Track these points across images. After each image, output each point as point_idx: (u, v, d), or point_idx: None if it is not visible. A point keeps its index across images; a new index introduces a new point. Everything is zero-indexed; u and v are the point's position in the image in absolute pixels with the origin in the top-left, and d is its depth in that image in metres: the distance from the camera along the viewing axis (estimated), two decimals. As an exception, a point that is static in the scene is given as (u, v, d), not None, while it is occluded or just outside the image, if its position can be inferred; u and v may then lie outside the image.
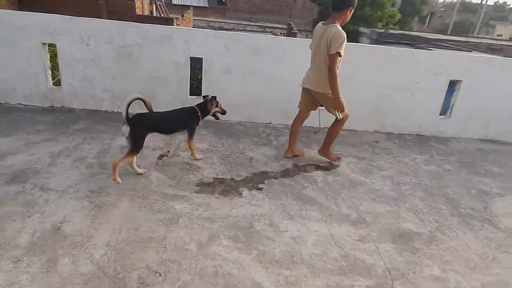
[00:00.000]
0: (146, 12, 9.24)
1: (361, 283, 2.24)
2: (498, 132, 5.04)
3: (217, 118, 3.62)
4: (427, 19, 37.00)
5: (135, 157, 3.15)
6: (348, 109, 4.73)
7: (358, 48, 4.66)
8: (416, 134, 4.94)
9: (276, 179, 3.38)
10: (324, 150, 3.78)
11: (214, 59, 4.44)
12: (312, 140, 4.34)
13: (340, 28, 3.16)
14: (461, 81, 4.69)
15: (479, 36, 30.36)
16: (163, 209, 2.73)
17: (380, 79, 4.65)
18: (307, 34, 19.66)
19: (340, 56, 3.15)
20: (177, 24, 7.92)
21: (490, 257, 2.63)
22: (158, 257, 2.24)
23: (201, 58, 4.45)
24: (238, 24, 21.36)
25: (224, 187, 3.15)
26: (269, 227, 2.67)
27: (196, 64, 4.87)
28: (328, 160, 3.83)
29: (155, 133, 3.24)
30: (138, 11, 8.40)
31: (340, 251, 2.51)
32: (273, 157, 3.81)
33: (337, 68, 3.23)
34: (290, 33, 15.98)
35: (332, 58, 3.14)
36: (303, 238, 2.59)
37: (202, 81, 4.54)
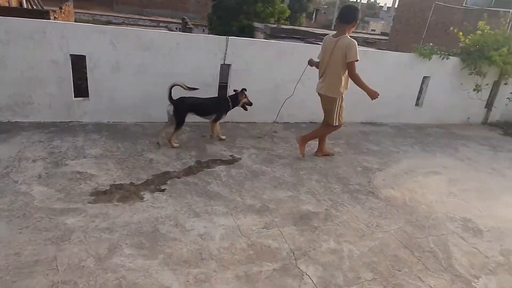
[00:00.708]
0: (14, 4, 8.00)
1: (268, 267, 2.34)
2: (376, 115, 5.77)
3: (245, 109, 4.24)
4: (313, 15, 40.23)
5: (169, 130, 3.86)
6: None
7: (250, 43, 4.81)
8: (310, 122, 5.34)
9: (179, 178, 3.30)
10: (304, 139, 4.04)
11: (100, 57, 4.08)
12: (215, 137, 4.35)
13: (350, 38, 3.53)
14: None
15: (357, 31, 34.30)
16: (50, 226, 2.43)
17: (274, 72, 4.88)
18: (203, 29, 19.54)
19: (357, 61, 3.54)
20: (55, 18, 7.05)
21: (375, 224, 3.01)
22: (48, 281, 1.99)
23: (85, 56, 4.05)
24: (128, 18, 20.03)
25: (123, 193, 2.95)
26: (175, 227, 2.60)
27: (84, 63, 4.42)
28: (231, 154, 3.90)
29: (193, 114, 3.89)
30: (2, 2, 7.23)
31: (247, 240, 2.58)
32: (174, 157, 3.70)
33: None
34: (185, 28, 15.68)
35: (351, 65, 3.54)
36: (210, 234, 2.59)
37: (88, 81, 4.14)
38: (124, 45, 4.12)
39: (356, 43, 3.54)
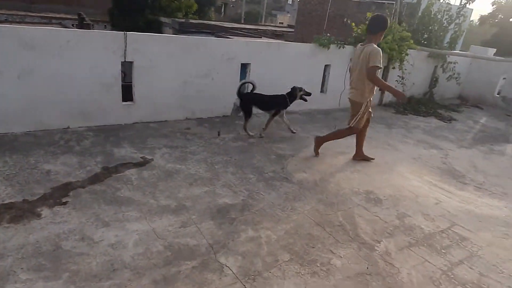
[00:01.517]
0: None
1: (187, 266, 2.30)
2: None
3: (305, 100, 4.92)
4: (222, 9, 40.33)
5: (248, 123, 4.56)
6: (153, 100, 4.70)
7: (152, 38, 4.60)
8: (223, 116, 5.36)
9: (83, 188, 3.03)
10: (320, 140, 4.35)
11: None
12: (122, 138, 4.10)
13: (375, 46, 3.69)
14: (250, 63, 5.32)
15: (266, 24, 35.39)
16: None
17: (181, 68, 4.76)
18: (105, 26, 18.18)
19: (380, 68, 3.69)
20: None
21: (289, 207, 3.15)
22: None
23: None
24: (12, 14, 17.57)
25: (15, 212, 2.60)
26: (81, 242, 2.39)
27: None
28: (142, 156, 3.71)
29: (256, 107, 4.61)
30: None
31: (164, 242, 2.49)
32: (77, 165, 3.39)
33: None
34: (82, 24, 14.38)
35: (370, 69, 3.67)
36: (123, 242, 2.44)
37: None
38: (2, 45, 3.60)
39: (380, 51, 3.67)
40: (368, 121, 4.25)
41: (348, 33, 7.76)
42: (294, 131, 5.06)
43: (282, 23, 43.78)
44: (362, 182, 3.83)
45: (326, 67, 6.34)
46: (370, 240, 2.81)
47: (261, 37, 15.74)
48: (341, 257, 2.57)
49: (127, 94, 4.49)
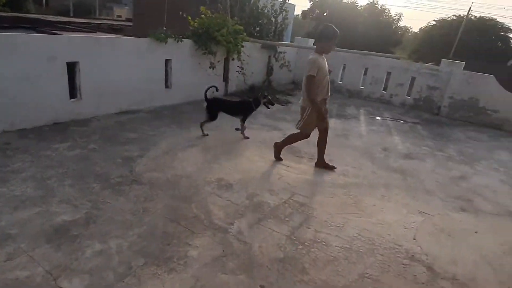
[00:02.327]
0: None
1: (18, 305, 1.94)
2: (129, 103, 5.70)
3: (267, 107, 5.25)
4: (44, 1, 34.87)
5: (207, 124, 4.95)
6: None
7: None
8: (54, 123, 4.68)
9: None
10: (279, 146, 4.53)
11: None
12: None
13: (313, 56, 3.94)
14: (78, 62, 4.77)
15: (101, 17, 32.35)
16: None
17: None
18: None
19: (312, 76, 3.88)
20: None
21: (141, 210, 3.01)
22: None
23: None
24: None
25: None
26: None
27: None
28: None
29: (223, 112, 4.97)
30: None
31: (-18, 285, 2.04)
32: None
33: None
34: None
35: (307, 78, 3.94)
36: None
37: None
38: None
39: (315, 61, 3.87)
40: (325, 130, 4.34)
41: (188, 27, 7.82)
42: (247, 136, 5.20)
43: (120, 16, 40.91)
44: (213, 171, 3.96)
45: (167, 61, 6.25)
46: (224, 224, 2.95)
47: (96, 32, 14.36)
48: (197, 247, 2.62)
49: None
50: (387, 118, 8.04)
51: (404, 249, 2.94)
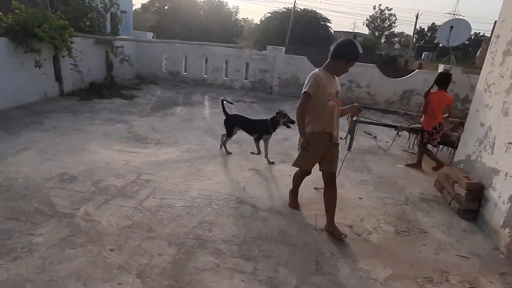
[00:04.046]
0: None
1: None
2: None
3: (288, 126, 4.66)
4: None
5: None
6: None
7: None
8: None
9: None
10: (291, 191, 3.65)
11: None
12: None
13: (316, 70, 3.04)
14: None
15: None
16: None
17: None
18: None
19: (307, 93, 2.98)
20: None
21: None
22: None
23: None
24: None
25: None
26: None
27: None
28: None
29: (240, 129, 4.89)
30: None
31: None
32: None
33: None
34: None
35: (301, 98, 3.05)
36: None
37: None
38: None
39: (315, 75, 2.98)
40: (331, 176, 3.14)
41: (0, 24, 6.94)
42: (271, 161, 4.77)
43: None
44: (53, 168, 3.91)
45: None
46: (69, 211, 3.07)
47: None
48: (42, 234, 2.70)
49: None
50: (230, 101, 8.99)
51: (236, 197, 3.65)
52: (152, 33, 11.44)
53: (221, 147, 5.10)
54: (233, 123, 4.91)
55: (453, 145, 5.08)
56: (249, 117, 5.11)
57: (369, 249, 3.01)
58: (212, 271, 2.50)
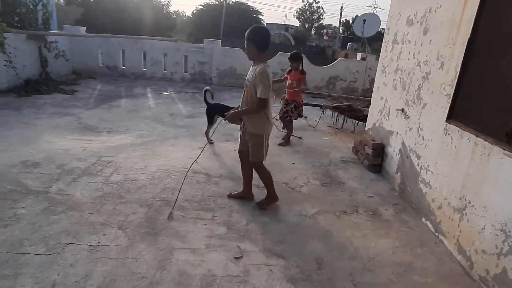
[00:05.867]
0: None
1: None
2: None
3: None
4: None
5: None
6: None
7: None
8: None
9: None
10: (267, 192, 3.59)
11: None
12: None
13: (263, 66, 3.15)
14: None
15: None
16: None
17: None
18: None
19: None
20: None
21: None
22: None
23: None
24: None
25: None
26: None
27: None
28: None
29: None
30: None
31: None
32: None
33: None
34: None
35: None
36: None
37: None
38: None
39: (268, 72, 3.13)
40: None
41: None
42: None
43: None
44: (13, 157, 4.13)
45: None
46: (43, 189, 3.44)
47: None
48: (23, 207, 3.08)
49: None
50: (172, 92, 9.41)
51: (190, 169, 4.26)
52: (85, 28, 11.23)
53: (209, 140, 5.18)
54: (214, 111, 5.20)
55: (366, 119, 6.20)
56: (225, 104, 5.23)
57: (301, 197, 3.85)
58: (179, 221, 3.13)
